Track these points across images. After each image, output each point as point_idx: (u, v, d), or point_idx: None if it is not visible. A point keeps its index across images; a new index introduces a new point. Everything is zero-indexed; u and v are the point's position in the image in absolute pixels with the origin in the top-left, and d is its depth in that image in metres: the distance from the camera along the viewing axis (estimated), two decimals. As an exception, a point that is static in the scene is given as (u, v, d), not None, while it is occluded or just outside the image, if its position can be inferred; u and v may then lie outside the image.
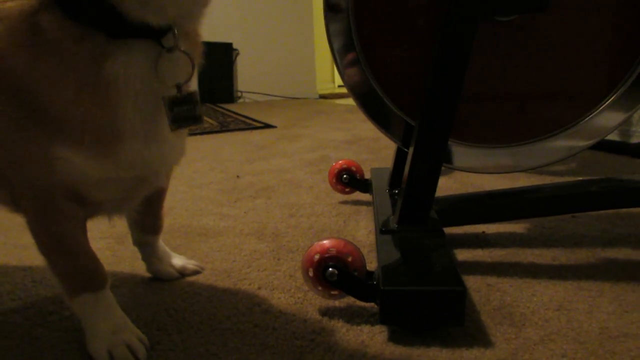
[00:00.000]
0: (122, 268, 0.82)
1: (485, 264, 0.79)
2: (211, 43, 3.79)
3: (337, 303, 0.68)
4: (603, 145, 1.62)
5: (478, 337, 0.59)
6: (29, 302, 0.71)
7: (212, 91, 4.04)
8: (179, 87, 0.52)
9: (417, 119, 0.74)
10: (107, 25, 0.47)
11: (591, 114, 0.81)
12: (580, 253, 0.82)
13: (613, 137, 1.59)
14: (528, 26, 0.78)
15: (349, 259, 0.62)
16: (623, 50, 0.78)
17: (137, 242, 0.76)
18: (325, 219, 1.03)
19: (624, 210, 1.02)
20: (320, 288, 0.63)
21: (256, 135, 2.26)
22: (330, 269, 0.61)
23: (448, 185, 1.27)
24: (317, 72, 4.78)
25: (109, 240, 0.94)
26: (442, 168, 0.75)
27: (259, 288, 0.73)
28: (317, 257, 0.62)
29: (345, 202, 1.15)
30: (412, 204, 0.74)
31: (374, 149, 1.82)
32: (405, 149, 0.82)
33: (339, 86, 5.62)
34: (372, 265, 0.78)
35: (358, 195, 1.19)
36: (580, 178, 1.31)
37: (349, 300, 0.67)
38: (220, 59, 4.03)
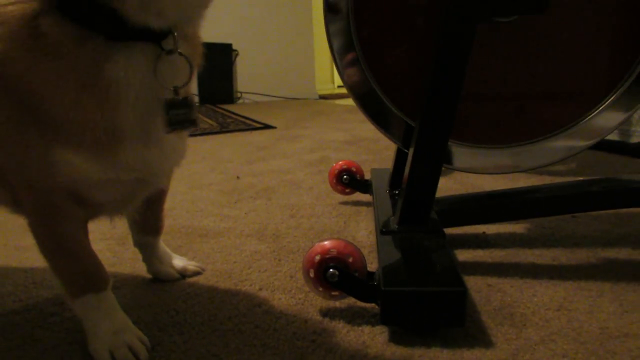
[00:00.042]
0: (123, 269, 0.82)
1: (485, 265, 0.79)
2: (211, 44, 3.79)
3: (338, 304, 0.68)
4: (603, 145, 1.62)
5: (479, 337, 0.59)
6: (30, 304, 0.71)
7: (211, 92, 4.04)
8: (176, 90, 0.52)
9: (417, 119, 0.74)
10: (107, 29, 0.47)
11: (591, 114, 0.81)
12: (580, 253, 0.82)
13: (613, 137, 1.60)
14: (528, 26, 0.78)
15: (350, 260, 0.62)
16: (623, 50, 0.78)
17: (138, 244, 0.76)
18: (326, 220, 1.04)
19: (624, 210, 1.02)
20: (321, 289, 0.63)
21: (256, 136, 2.26)
22: (331, 270, 0.61)
23: (448, 186, 1.27)
24: (317, 72, 4.78)
25: (109, 241, 0.94)
26: (442, 169, 0.75)
27: (260, 289, 0.73)
28: (317, 258, 0.62)
29: (345, 203, 1.16)
30: (412, 205, 0.74)
31: (374, 150, 1.82)
32: (405, 150, 0.82)
33: (339, 87, 5.62)
34: (372, 266, 0.79)
35: (358, 196, 1.20)
36: (580, 178, 1.31)
37: (350, 301, 0.67)
38: (219, 60, 4.03)
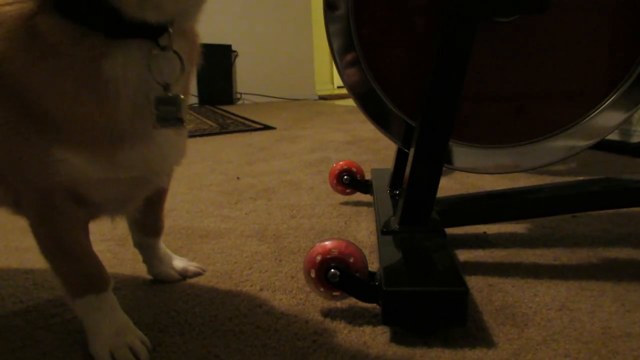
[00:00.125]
0: (124, 270, 0.82)
1: (486, 265, 0.79)
2: (210, 45, 3.80)
3: (339, 304, 0.67)
4: (603, 145, 1.62)
5: (480, 337, 0.59)
6: (30, 305, 0.71)
7: (211, 93, 4.04)
8: (167, 86, 0.51)
9: (417, 119, 0.74)
10: (105, 26, 0.47)
11: (591, 114, 0.81)
12: (581, 253, 0.82)
13: (613, 136, 1.60)
14: (528, 26, 0.78)
15: (351, 260, 0.62)
16: (623, 49, 0.78)
17: (138, 245, 0.76)
18: (326, 220, 1.03)
19: (625, 209, 1.02)
20: (322, 289, 0.63)
21: (256, 137, 2.26)
22: (332, 270, 0.61)
23: (449, 186, 1.27)
24: (316, 73, 4.79)
25: (110, 242, 0.94)
26: (443, 168, 0.75)
27: (261, 289, 0.73)
28: (319, 258, 0.62)
29: (346, 203, 1.15)
30: (413, 205, 0.74)
31: (374, 150, 1.82)
32: (406, 150, 0.82)
33: (339, 87, 5.62)
34: (373, 266, 0.78)
35: (359, 196, 1.20)
36: (581, 178, 1.31)
37: (351, 301, 0.67)
38: (219, 61, 4.04)
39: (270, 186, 1.34)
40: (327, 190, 1.26)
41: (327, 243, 0.63)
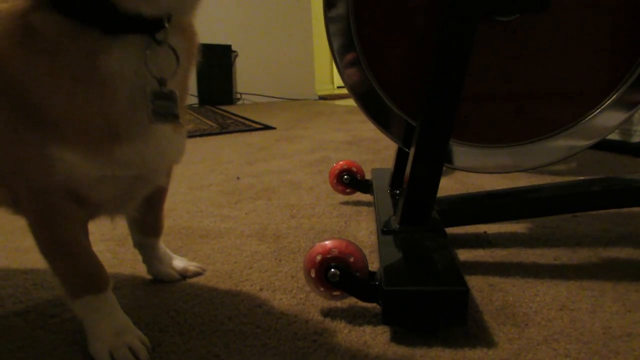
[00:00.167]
0: (123, 270, 0.81)
1: (487, 264, 0.79)
2: (210, 45, 3.80)
3: (339, 304, 0.67)
4: (604, 145, 1.62)
5: (481, 337, 0.58)
6: (30, 305, 0.71)
7: (211, 93, 4.04)
8: (163, 81, 0.51)
9: (418, 119, 0.74)
10: (101, 21, 0.46)
11: (592, 114, 0.81)
12: (582, 253, 0.82)
13: (614, 136, 1.59)
14: (528, 26, 0.78)
15: (351, 260, 0.62)
16: (624, 49, 0.78)
17: (138, 244, 0.76)
18: (326, 220, 1.03)
19: (625, 209, 1.02)
20: (322, 289, 0.63)
21: (256, 137, 2.26)
22: (332, 270, 0.61)
23: (449, 186, 1.27)
24: (316, 73, 4.79)
25: (109, 242, 0.94)
26: (443, 168, 0.75)
27: (261, 289, 0.73)
28: (319, 257, 0.62)
29: (346, 203, 1.15)
30: (413, 204, 0.74)
31: (375, 150, 1.82)
32: (406, 149, 0.82)
33: (339, 87, 5.62)
34: (374, 265, 0.78)
35: (359, 196, 1.19)
36: (581, 178, 1.31)
37: (351, 300, 0.66)
38: (219, 61, 4.04)
39: (271, 186, 1.34)
40: (327, 190, 1.25)
41: (327, 243, 0.63)
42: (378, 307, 0.64)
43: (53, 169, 0.49)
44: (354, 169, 1.15)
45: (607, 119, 0.81)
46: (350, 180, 1.14)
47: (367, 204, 1.15)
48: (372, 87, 0.82)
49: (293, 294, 0.71)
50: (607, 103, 0.80)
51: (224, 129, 2.50)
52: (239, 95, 4.32)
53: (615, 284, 0.71)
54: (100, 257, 0.59)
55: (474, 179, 1.32)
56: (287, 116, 3.10)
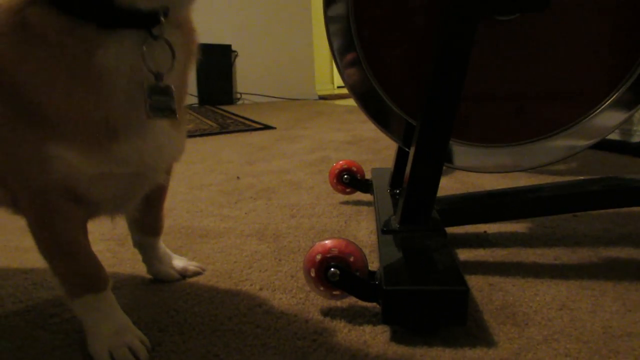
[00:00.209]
0: (123, 270, 0.81)
1: (487, 264, 0.79)
2: (210, 45, 3.80)
3: (339, 303, 0.67)
4: (604, 145, 1.62)
5: (481, 336, 0.58)
6: (30, 305, 0.71)
7: (211, 93, 4.04)
8: (159, 75, 0.51)
9: (418, 118, 0.74)
10: (96, 15, 0.46)
11: (592, 114, 0.81)
12: (582, 252, 0.82)
13: (614, 136, 1.59)
14: (529, 25, 0.78)
15: (351, 259, 0.62)
16: (624, 49, 0.78)
17: (138, 244, 0.76)
18: (326, 220, 1.03)
19: (625, 209, 1.02)
20: (322, 288, 0.63)
21: (256, 137, 2.26)
22: (332, 269, 0.61)
23: (449, 185, 1.26)
24: (316, 73, 4.78)
25: (109, 242, 0.94)
26: (443, 168, 0.75)
27: (261, 289, 0.73)
28: (318, 257, 0.62)
29: (346, 203, 1.15)
30: (413, 204, 0.74)
31: (375, 150, 1.82)
32: (406, 149, 0.82)
33: (339, 87, 5.63)
34: (373, 265, 0.78)
35: (359, 196, 1.19)
36: (581, 177, 1.30)
37: (351, 300, 0.66)
38: (219, 61, 4.04)
39: (270, 186, 1.34)
40: (327, 189, 1.25)
41: (327, 242, 0.63)
42: (378, 306, 0.64)
43: (51, 167, 0.49)
44: (354, 169, 1.15)
45: (607, 119, 0.81)
46: (350, 180, 1.14)
47: (367, 203, 1.15)
48: (372, 87, 0.82)
49: (293, 294, 0.71)
50: (607, 103, 0.80)
51: (224, 129, 2.50)
52: (239, 95, 4.32)
53: (616, 283, 0.71)
54: (100, 256, 0.59)
55: (474, 179, 1.32)
56: (287, 116, 3.10)
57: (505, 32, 0.78)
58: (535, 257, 0.81)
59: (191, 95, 3.93)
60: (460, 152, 0.84)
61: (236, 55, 4.25)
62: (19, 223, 0.57)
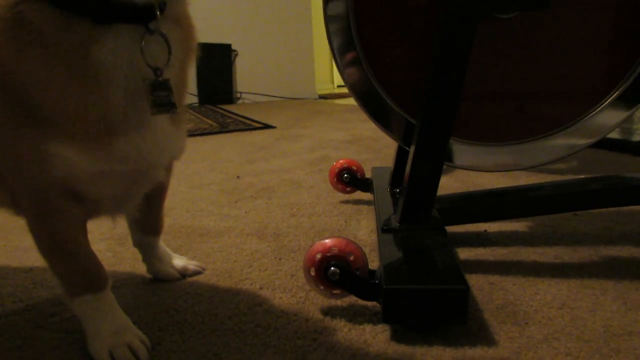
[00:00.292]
0: (123, 269, 0.81)
1: (487, 263, 0.79)
2: (210, 44, 3.79)
3: (339, 302, 0.67)
4: (604, 144, 1.62)
5: (481, 335, 0.58)
6: (30, 304, 0.71)
7: (211, 92, 4.04)
8: (158, 70, 0.50)
9: (418, 117, 0.74)
10: (93, 10, 0.46)
11: (592, 112, 0.81)
12: (582, 251, 0.82)
13: (615, 135, 1.59)
14: (529, 24, 0.77)
15: (351, 258, 0.62)
16: (624, 48, 0.78)
17: (138, 244, 0.76)
18: (326, 219, 1.03)
19: (626, 208, 1.02)
20: (322, 287, 0.63)
21: (256, 136, 2.26)
22: (332, 268, 0.61)
23: (449, 184, 1.26)
24: (316, 72, 4.78)
25: (109, 241, 0.94)
26: (443, 166, 0.75)
27: (261, 288, 0.73)
28: (318, 256, 0.62)
29: (346, 202, 1.15)
30: (414, 203, 0.74)
31: (375, 149, 1.82)
32: (406, 148, 0.82)
33: (339, 86, 5.62)
34: (374, 264, 0.78)
35: (359, 195, 1.19)
36: (582, 176, 1.30)
37: (351, 299, 0.66)
38: (219, 60, 4.03)
39: (270, 185, 1.34)
40: (327, 188, 1.25)
41: (327, 241, 0.63)
42: (378, 305, 0.64)
43: (50, 166, 0.49)
44: (354, 168, 1.15)
45: (607, 118, 0.81)
46: (350, 179, 1.14)
47: (367, 202, 1.14)
48: (372, 86, 0.82)
49: (293, 293, 0.71)
50: (607, 101, 0.80)
51: (224, 128, 2.50)
52: (239, 95, 4.32)
53: (616, 282, 0.71)
54: (100, 256, 0.59)
55: (474, 178, 1.31)
56: (287, 115, 3.10)
57: (505, 30, 0.78)
58: (535, 256, 0.81)
59: (191, 94, 3.93)
60: (461, 151, 0.84)
61: (236, 55, 4.24)
62: (19, 223, 0.57)
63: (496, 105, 0.82)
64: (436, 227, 0.74)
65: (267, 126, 2.56)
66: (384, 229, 0.75)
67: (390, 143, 1.87)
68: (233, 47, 4.18)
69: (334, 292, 0.63)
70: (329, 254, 0.62)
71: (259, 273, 0.78)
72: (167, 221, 1.03)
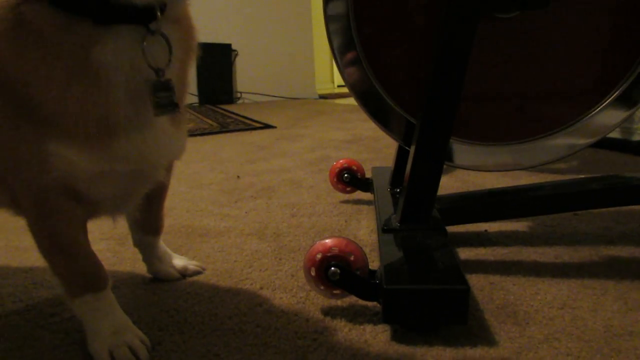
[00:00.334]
0: (123, 269, 0.81)
1: (487, 263, 0.79)
2: (210, 44, 3.79)
3: (339, 302, 0.67)
4: (605, 143, 1.62)
5: (481, 335, 0.58)
6: (30, 304, 0.71)
7: (211, 92, 4.04)
8: (160, 71, 0.51)
9: (418, 117, 0.74)
10: (93, 11, 0.46)
11: (592, 112, 0.81)
12: (583, 251, 0.82)
13: (615, 134, 1.59)
14: (529, 24, 0.77)
15: (351, 258, 0.62)
16: (625, 47, 0.78)
17: (138, 243, 0.76)
18: (327, 219, 1.03)
19: (626, 207, 1.02)
20: (322, 287, 0.63)
21: (256, 136, 2.26)
22: (333, 268, 0.61)
23: (449, 184, 1.26)
24: (317, 72, 4.78)
25: (109, 241, 0.94)
26: (444, 166, 0.74)
27: (261, 288, 0.73)
28: (319, 256, 0.62)
29: (346, 202, 1.15)
30: (414, 203, 0.74)
31: (375, 149, 1.82)
32: (407, 148, 0.82)
33: (339, 86, 5.62)
34: (374, 264, 0.78)
35: (359, 195, 1.19)
36: (582, 176, 1.30)
37: (352, 299, 0.66)
38: (219, 60, 4.03)
39: (271, 185, 1.34)
40: (328, 188, 1.25)
41: (327, 241, 0.62)
42: (378, 305, 0.64)
43: (50, 166, 0.49)
44: (355, 168, 1.15)
45: (607, 118, 0.81)
46: (350, 179, 1.14)
47: (368, 202, 1.14)
48: (372, 86, 0.82)
49: (293, 293, 0.71)
50: (607, 101, 0.80)
51: (224, 128, 2.50)
52: (239, 94, 4.32)
53: (617, 282, 0.71)
54: (100, 256, 0.59)
55: (475, 178, 1.31)
56: (287, 115, 3.10)
57: (505, 30, 0.78)
58: (536, 256, 0.81)
59: (191, 94, 3.92)
60: (461, 151, 0.84)
61: (236, 55, 4.24)
62: (19, 223, 0.57)
63: (496, 105, 0.82)
64: (436, 227, 0.74)
65: (267, 126, 2.56)
66: (384, 228, 0.75)
67: (390, 143, 1.87)
68: (233, 47, 4.18)
69: (334, 292, 0.63)
70: (329, 254, 0.62)
71: (259, 273, 0.78)
72: (167, 221, 1.03)
